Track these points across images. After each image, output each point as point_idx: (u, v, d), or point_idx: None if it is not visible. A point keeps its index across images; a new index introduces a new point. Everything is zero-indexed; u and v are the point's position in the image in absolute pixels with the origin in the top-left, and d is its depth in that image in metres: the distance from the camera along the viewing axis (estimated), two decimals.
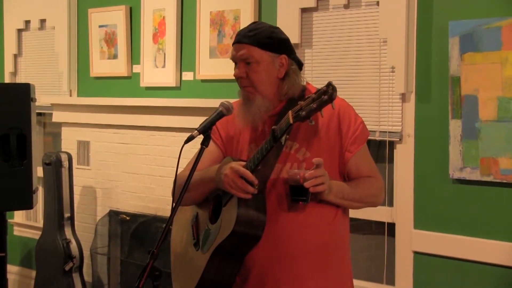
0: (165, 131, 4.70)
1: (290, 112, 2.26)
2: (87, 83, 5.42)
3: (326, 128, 2.44)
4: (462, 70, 3.39)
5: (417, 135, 3.62)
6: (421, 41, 3.59)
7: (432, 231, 3.58)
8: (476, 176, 3.38)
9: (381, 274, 3.81)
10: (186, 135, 2.31)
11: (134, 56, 5.06)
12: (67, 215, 5.00)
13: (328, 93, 2.18)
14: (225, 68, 4.34)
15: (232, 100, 2.48)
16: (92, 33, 5.28)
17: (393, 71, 3.68)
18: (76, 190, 5.23)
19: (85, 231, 5.21)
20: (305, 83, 2.52)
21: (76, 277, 4.96)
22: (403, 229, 3.68)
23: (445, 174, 3.50)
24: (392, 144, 3.74)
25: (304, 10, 4.04)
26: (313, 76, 3.92)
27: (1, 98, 3.90)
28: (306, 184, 2.27)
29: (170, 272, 2.69)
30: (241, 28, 3.99)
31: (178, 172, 2.43)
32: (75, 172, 5.14)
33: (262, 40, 2.43)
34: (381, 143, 3.81)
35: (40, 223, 5.65)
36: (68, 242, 4.95)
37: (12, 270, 5.86)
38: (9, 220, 5.03)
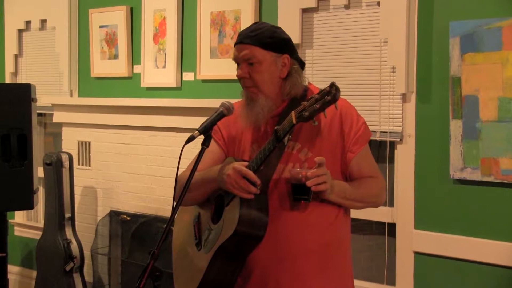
0: (166, 131, 4.70)
1: (293, 112, 2.26)
2: (87, 83, 5.42)
3: (328, 128, 2.44)
4: (462, 71, 3.39)
5: (418, 135, 3.63)
6: (421, 41, 3.59)
7: (432, 232, 3.59)
8: (476, 176, 3.38)
9: (381, 274, 3.81)
10: (187, 135, 2.31)
11: (134, 56, 5.06)
12: (67, 215, 5.00)
13: (331, 93, 2.18)
14: (226, 69, 4.35)
15: (233, 101, 2.48)
16: (92, 33, 5.28)
17: (393, 71, 3.68)
18: (77, 190, 5.23)
19: (86, 231, 5.21)
20: (307, 83, 2.53)
21: (76, 277, 4.96)
22: (404, 229, 3.68)
23: (445, 174, 3.50)
24: (392, 144, 3.74)
25: (304, 11, 4.04)
26: (314, 76, 3.92)
27: (2, 98, 3.91)
28: (308, 183, 2.27)
29: (171, 272, 2.68)
30: (241, 28, 4.00)
31: (179, 172, 2.44)
32: (75, 172, 5.14)
33: (264, 40, 2.43)
34: (381, 143, 3.81)
35: (40, 223, 5.65)
36: (68, 242, 4.95)
37: (13, 270, 5.87)
38: (9, 220, 5.03)
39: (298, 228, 2.40)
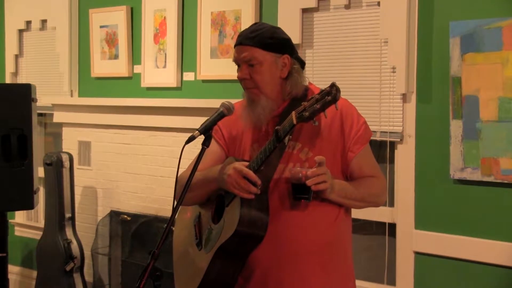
0: (166, 131, 4.70)
1: (293, 112, 2.26)
2: (88, 83, 5.43)
3: (329, 128, 2.44)
4: (463, 71, 3.39)
5: (418, 136, 3.63)
6: (422, 41, 3.59)
7: (433, 232, 3.59)
8: (477, 176, 3.38)
9: (382, 274, 3.81)
10: (187, 135, 2.31)
11: (135, 56, 5.06)
12: (68, 215, 5.00)
13: (332, 94, 2.18)
14: (226, 69, 4.35)
15: (233, 101, 2.48)
16: (93, 33, 5.28)
17: (394, 72, 3.68)
18: (77, 190, 5.23)
19: (86, 232, 5.21)
20: (307, 83, 2.53)
21: (77, 277, 4.97)
22: (404, 230, 3.68)
23: (446, 174, 3.50)
24: (393, 145, 3.74)
25: (305, 11, 4.04)
26: (314, 77, 3.92)
27: (2, 98, 3.91)
28: (308, 182, 2.28)
29: (171, 272, 2.69)
30: (242, 28, 4.00)
31: (180, 172, 2.44)
32: (76, 172, 5.14)
33: (264, 41, 2.43)
34: (382, 144, 3.81)
35: (41, 224, 5.65)
36: (69, 243, 4.95)
37: (13, 271, 5.87)
38: (10, 221, 5.03)
39: (299, 228, 2.40)
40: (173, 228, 2.70)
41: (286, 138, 2.30)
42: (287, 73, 2.46)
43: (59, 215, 4.98)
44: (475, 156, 3.37)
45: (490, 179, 3.34)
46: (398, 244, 3.73)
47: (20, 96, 3.94)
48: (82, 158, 5.29)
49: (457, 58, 3.40)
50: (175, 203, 2.31)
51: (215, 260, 2.40)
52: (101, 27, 5.22)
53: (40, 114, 5.50)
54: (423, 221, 3.62)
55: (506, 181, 3.30)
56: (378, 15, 3.74)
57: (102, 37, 5.22)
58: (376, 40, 3.76)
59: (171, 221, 2.25)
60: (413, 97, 3.63)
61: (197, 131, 2.33)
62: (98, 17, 5.23)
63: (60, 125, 5.51)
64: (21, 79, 5.95)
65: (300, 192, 2.33)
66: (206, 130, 2.34)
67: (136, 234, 4.91)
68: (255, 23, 2.57)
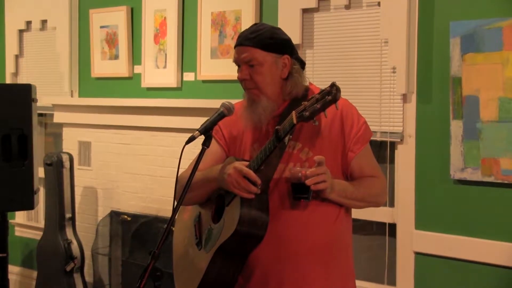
0: (166, 131, 4.70)
1: (293, 112, 2.27)
2: (88, 83, 5.43)
3: (329, 128, 2.44)
4: (463, 71, 3.39)
5: (418, 136, 3.63)
6: (422, 41, 3.59)
7: (433, 232, 3.59)
8: (477, 176, 3.38)
9: (382, 274, 3.81)
10: (187, 135, 2.31)
11: (135, 56, 5.06)
12: (68, 215, 5.01)
13: (332, 93, 2.19)
14: (226, 69, 4.35)
15: (233, 101, 2.48)
16: (93, 33, 5.28)
17: (394, 72, 3.68)
18: (77, 191, 5.23)
19: (86, 232, 5.21)
20: (308, 83, 2.53)
21: (77, 277, 4.97)
22: (404, 230, 3.68)
23: (446, 174, 3.50)
24: (393, 145, 3.74)
25: (305, 11, 4.04)
26: (314, 77, 3.92)
27: (2, 98, 3.91)
28: (308, 182, 2.28)
29: (171, 272, 2.69)
30: (242, 28, 4.00)
31: (180, 172, 2.44)
32: (76, 172, 5.14)
33: (264, 41, 2.43)
34: (382, 144, 3.81)
35: (41, 224, 5.65)
36: (69, 243, 4.95)
37: (13, 271, 5.87)
38: (10, 221, 5.03)
39: (299, 227, 2.40)
40: (173, 228, 2.70)
41: (286, 138, 2.30)
42: (287, 74, 2.46)
43: (59, 215, 4.98)
44: (476, 156, 3.37)
45: (491, 179, 3.34)
46: (398, 244, 3.73)
47: (20, 96, 3.95)
48: (82, 158, 5.29)
49: (458, 58, 3.40)
50: (175, 203, 2.31)
51: (215, 260, 2.40)
52: (101, 27, 5.22)
53: (40, 114, 5.50)
54: (423, 221, 3.62)
55: (506, 181, 3.30)
56: (379, 15, 3.74)
57: (102, 37, 5.23)
58: (376, 40, 3.76)
59: (171, 221, 2.25)
60: (414, 97, 3.63)
61: (197, 131, 2.33)
62: (98, 17, 5.24)
63: (60, 125, 5.51)
64: (21, 79, 5.95)
65: (299, 192, 2.33)
66: (207, 130, 2.34)
67: (136, 234, 4.91)
68: (255, 24, 2.58)
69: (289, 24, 3.97)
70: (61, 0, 5.46)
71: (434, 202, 3.58)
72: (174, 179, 2.45)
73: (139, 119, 4.85)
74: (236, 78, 2.52)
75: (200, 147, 2.34)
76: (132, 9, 5.07)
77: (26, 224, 6.01)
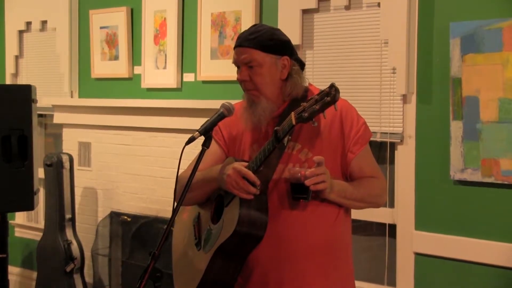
0: (166, 132, 4.70)
1: (292, 113, 2.27)
2: (88, 84, 5.43)
3: (329, 129, 2.44)
4: (463, 71, 3.39)
5: (418, 136, 3.63)
6: (422, 42, 3.59)
7: (433, 232, 3.58)
8: (477, 177, 3.38)
9: (382, 275, 3.81)
10: (187, 136, 2.31)
11: (135, 57, 5.06)
12: (68, 216, 5.00)
13: (331, 94, 2.19)
14: (226, 70, 4.35)
15: (233, 101, 2.48)
16: (93, 34, 5.28)
17: (394, 72, 3.68)
18: (77, 191, 5.23)
19: (86, 232, 5.21)
20: (307, 84, 2.53)
21: (77, 278, 4.97)
22: (404, 230, 3.68)
23: (446, 175, 3.50)
24: (393, 145, 3.74)
25: (305, 11, 4.04)
26: (314, 77, 3.92)
27: (2, 99, 3.91)
28: (307, 182, 2.28)
29: (171, 273, 2.69)
30: (242, 29, 4.00)
31: (180, 173, 2.44)
32: (76, 173, 5.14)
33: (263, 42, 2.43)
34: (382, 144, 3.81)
35: (41, 224, 5.65)
36: (69, 243, 4.95)
37: (13, 271, 5.87)
38: (10, 221, 5.04)
39: (299, 228, 2.40)
40: (173, 229, 2.70)
41: (285, 139, 2.30)
42: (287, 75, 2.46)
43: (59, 216, 4.98)
44: (476, 157, 3.37)
45: (491, 180, 3.34)
46: (398, 245, 3.73)
47: (20, 97, 3.95)
48: (82, 159, 5.29)
49: (457, 59, 3.40)
50: (175, 203, 2.31)
51: (214, 260, 2.40)
52: (101, 28, 5.23)
53: (40, 115, 5.51)
54: (423, 222, 3.62)
55: (506, 182, 3.30)
56: (378, 16, 3.74)
57: (102, 38, 5.23)
58: (376, 41, 3.76)
59: (171, 221, 2.25)
60: (413, 98, 3.63)
61: (197, 132, 2.33)
62: (98, 18, 5.24)
63: (60, 126, 5.51)
64: (21, 80, 5.95)
65: (299, 192, 2.33)
66: (206, 131, 2.34)
67: (136, 235, 4.91)
68: (255, 25, 2.57)
69: (289, 25, 3.97)
70: (61, 1, 5.46)
71: (434, 203, 3.58)
72: (174, 180, 2.45)
73: (139, 120, 4.85)
74: (236, 79, 2.52)
75: (200, 148, 2.34)
76: (132, 10, 5.07)
77: (26, 224, 6.01)
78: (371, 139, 2.57)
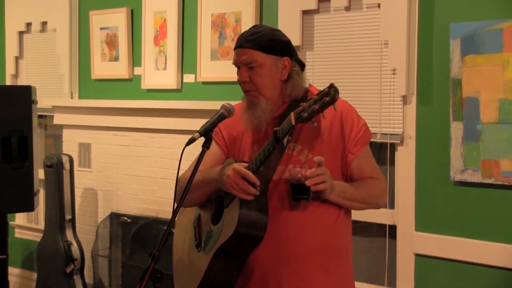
0: (166, 133, 4.70)
1: (292, 113, 2.27)
2: (88, 85, 5.43)
3: (329, 130, 2.44)
4: (463, 72, 3.39)
5: (418, 137, 3.63)
6: (422, 43, 3.59)
7: (433, 233, 3.58)
8: (477, 178, 3.38)
9: (382, 276, 3.81)
10: (188, 137, 2.31)
11: (135, 58, 5.06)
12: (68, 217, 5.00)
13: (330, 94, 2.19)
14: (227, 70, 4.35)
15: (233, 102, 2.48)
16: (93, 35, 5.28)
17: (394, 73, 3.68)
18: (77, 192, 5.23)
19: (86, 233, 5.21)
20: (307, 85, 2.53)
21: (77, 279, 4.96)
22: (404, 231, 3.68)
23: (446, 176, 3.50)
24: (393, 146, 3.74)
25: (305, 12, 4.04)
26: (314, 78, 3.92)
27: (2, 100, 3.91)
28: (307, 183, 2.27)
29: (171, 274, 2.69)
30: (242, 30, 4.00)
31: (180, 174, 2.44)
32: (76, 174, 5.14)
33: (263, 43, 2.43)
34: (382, 145, 3.81)
35: (41, 225, 5.66)
36: (69, 244, 4.95)
37: (13, 272, 5.86)
38: (10, 222, 5.03)
39: (299, 228, 2.40)
40: (173, 230, 2.70)
41: (285, 139, 2.30)
42: (287, 75, 2.46)
43: (60, 217, 4.98)
44: (476, 158, 3.37)
45: (491, 181, 3.34)
46: (398, 246, 3.72)
47: (20, 98, 3.95)
48: (82, 160, 5.29)
49: (458, 60, 3.40)
50: (175, 204, 2.31)
51: (215, 261, 2.40)
52: (101, 29, 5.23)
53: (40, 116, 5.51)
54: (423, 223, 3.62)
55: (506, 183, 3.30)
56: (379, 17, 3.74)
57: (102, 39, 5.23)
58: (376, 42, 3.76)
59: (171, 222, 2.25)
60: (414, 99, 3.63)
61: (197, 133, 2.33)
62: (98, 19, 5.24)
63: (61, 127, 5.51)
64: (22, 81, 5.95)
65: (299, 193, 2.32)
66: (207, 132, 2.34)
67: (137, 236, 4.91)
68: (255, 26, 2.57)
69: (289, 25, 3.98)
70: (61, 2, 5.46)
71: (434, 204, 3.58)
72: (174, 181, 2.45)
73: (139, 121, 4.85)
74: (236, 80, 2.52)
75: (200, 149, 2.34)
76: (132, 11, 5.07)
77: (26, 225, 6.01)
78: (371, 140, 2.57)
